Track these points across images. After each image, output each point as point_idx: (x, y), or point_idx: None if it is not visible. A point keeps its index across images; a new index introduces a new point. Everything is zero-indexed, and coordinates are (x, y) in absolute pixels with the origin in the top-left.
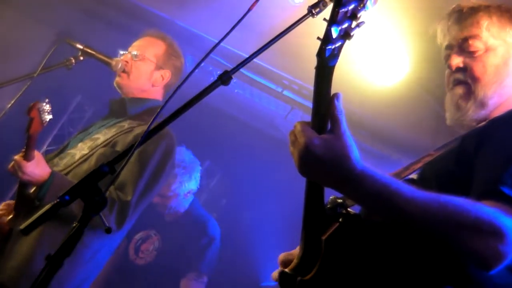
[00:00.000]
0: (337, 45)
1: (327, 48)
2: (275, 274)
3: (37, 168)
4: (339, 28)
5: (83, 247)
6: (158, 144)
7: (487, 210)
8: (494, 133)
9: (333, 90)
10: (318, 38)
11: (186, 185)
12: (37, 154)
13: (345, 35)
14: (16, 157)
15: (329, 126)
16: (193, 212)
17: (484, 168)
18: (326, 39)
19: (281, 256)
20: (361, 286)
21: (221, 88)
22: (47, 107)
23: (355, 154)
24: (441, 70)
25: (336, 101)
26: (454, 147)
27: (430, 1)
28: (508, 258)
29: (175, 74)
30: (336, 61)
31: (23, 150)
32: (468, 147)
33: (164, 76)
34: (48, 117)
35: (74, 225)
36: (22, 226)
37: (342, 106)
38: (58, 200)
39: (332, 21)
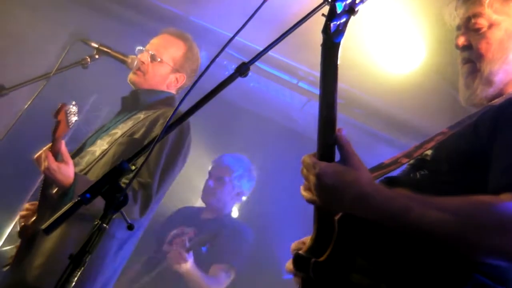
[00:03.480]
0: (342, 20)
1: (332, 23)
2: (288, 265)
3: (62, 170)
4: (343, 3)
5: (110, 239)
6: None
7: (505, 204)
8: (507, 120)
9: (351, 82)
10: (323, 14)
11: (243, 181)
12: (65, 155)
13: (350, 10)
14: (44, 150)
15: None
16: (230, 217)
17: (501, 158)
18: (331, 14)
19: (293, 244)
20: (378, 266)
21: (237, 82)
22: (74, 109)
23: (365, 175)
24: (456, 55)
25: (342, 131)
26: (467, 126)
27: None
28: None
29: (190, 77)
30: (342, 37)
31: (50, 143)
32: (481, 128)
33: (179, 79)
34: (74, 118)
35: (96, 223)
36: (44, 226)
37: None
38: (79, 198)
39: None
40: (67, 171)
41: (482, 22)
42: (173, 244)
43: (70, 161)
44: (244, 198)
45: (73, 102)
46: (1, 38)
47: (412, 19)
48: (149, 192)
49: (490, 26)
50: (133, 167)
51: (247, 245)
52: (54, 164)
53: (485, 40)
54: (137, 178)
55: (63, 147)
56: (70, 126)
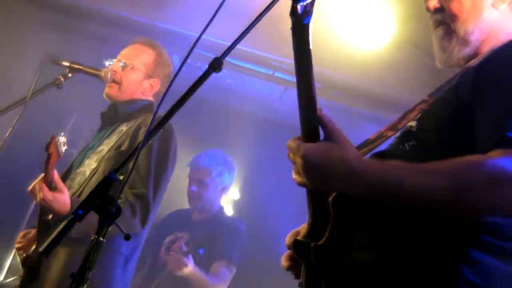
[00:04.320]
0: (308, 1)
1: (299, 5)
2: (284, 261)
3: (58, 199)
4: None
5: (116, 255)
6: (159, 137)
7: (498, 161)
8: (487, 76)
9: (325, 64)
10: None
11: (225, 176)
12: (59, 184)
13: None
14: (38, 181)
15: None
16: (223, 214)
17: (486, 116)
18: None
19: (287, 238)
20: (377, 240)
21: (214, 80)
22: (63, 139)
23: (351, 151)
24: (427, 22)
25: (322, 111)
26: (447, 91)
27: None
28: None
29: (164, 82)
30: (310, 18)
31: (43, 174)
32: (462, 91)
33: (153, 85)
34: (64, 148)
35: (93, 238)
36: (41, 249)
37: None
38: (72, 215)
39: None
40: (63, 199)
41: None
42: (171, 251)
43: (65, 189)
44: (229, 190)
45: (62, 133)
46: None
47: None
48: (146, 202)
49: None
50: (121, 177)
51: (241, 239)
52: (49, 194)
53: (457, 1)
54: (131, 190)
55: (56, 176)
56: (61, 156)
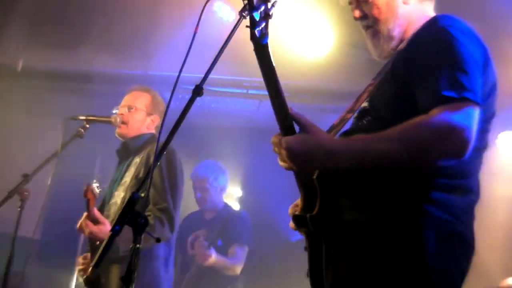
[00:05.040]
0: (262, 25)
1: (256, 31)
2: (291, 224)
3: (103, 230)
4: (259, 11)
5: (156, 260)
6: (163, 159)
7: (438, 116)
8: (414, 50)
9: (287, 76)
10: (247, 26)
11: (220, 179)
12: (100, 218)
13: (266, 15)
14: (83, 220)
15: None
16: (227, 209)
17: (421, 85)
18: (253, 23)
19: (289, 209)
20: (358, 204)
21: (203, 106)
22: (96, 184)
23: (323, 135)
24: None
25: (293, 109)
26: (387, 73)
27: None
28: (472, 140)
29: (161, 116)
30: (267, 38)
31: (86, 213)
32: (397, 69)
33: (154, 120)
34: (99, 190)
35: (131, 246)
36: (93, 263)
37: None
38: (111, 232)
39: (251, 8)
40: (106, 229)
41: None
42: (195, 247)
43: (106, 221)
44: (227, 189)
45: (94, 181)
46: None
47: (317, 10)
48: (169, 213)
49: None
50: (142, 194)
51: (246, 223)
52: (95, 228)
53: (375, 7)
54: (155, 206)
55: (97, 213)
56: (97, 197)
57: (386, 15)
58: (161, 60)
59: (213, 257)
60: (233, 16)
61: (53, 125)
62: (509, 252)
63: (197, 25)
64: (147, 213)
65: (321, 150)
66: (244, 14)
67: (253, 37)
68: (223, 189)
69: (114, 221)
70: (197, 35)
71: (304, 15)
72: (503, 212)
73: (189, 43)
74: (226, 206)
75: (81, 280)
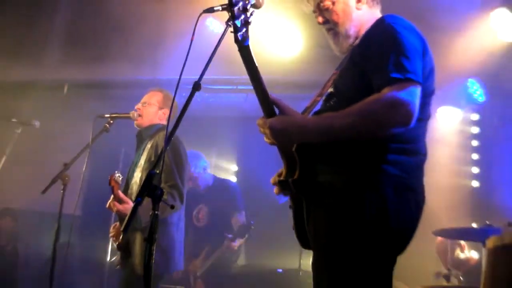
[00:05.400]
0: (243, 31)
1: (238, 35)
2: (276, 190)
3: (127, 207)
4: (239, 19)
5: (171, 226)
6: (170, 146)
7: (388, 93)
8: (367, 44)
9: (265, 72)
10: (231, 31)
11: (198, 164)
12: (124, 198)
13: (246, 23)
14: (111, 201)
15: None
16: (217, 182)
17: (373, 71)
18: (235, 29)
19: (272, 178)
20: (330, 168)
21: (203, 101)
22: (118, 174)
23: (297, 115)
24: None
25: (272, 96)
26: (347, 64)
27: None
28: (416, 112)
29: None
30: (248, 41)
31: (113, 197)
32: (355, 59)
33: (165, 113)
34: (120, 178)
35: (151, 213)
36: (122, 228)
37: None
38: (134, 202)
39: (233, 17)
40: (129, 207)
41: (327, 3)
42: (200, 220)
43: (129, 200)
44: (209, 166)
45: (116, 171)
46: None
47: (289, 18)
48: (178, 188)
49: (333, 3)
50: (157, 171)
51: (235, 191)
52: (120, 207)
53: (334, 13)
54: (166, 184)
55: (121, 195)
56: (119, 183)
57: (343, 20)
58: (166, 67)
59: (237, 245)
60: (222, 29)
61: (84, 123)
62: (448, 200)
63: (193, 34)
64: (162, 186)
65: (296, 126)
66: (229, 23)
67: (236, 40)
68: (205, 168)
69: (136, 194)
70: (193, 45)
71: (279, 22)
72: (443, 170)
73: (196, 49)
74: (216, 179)
75: (114, 245)
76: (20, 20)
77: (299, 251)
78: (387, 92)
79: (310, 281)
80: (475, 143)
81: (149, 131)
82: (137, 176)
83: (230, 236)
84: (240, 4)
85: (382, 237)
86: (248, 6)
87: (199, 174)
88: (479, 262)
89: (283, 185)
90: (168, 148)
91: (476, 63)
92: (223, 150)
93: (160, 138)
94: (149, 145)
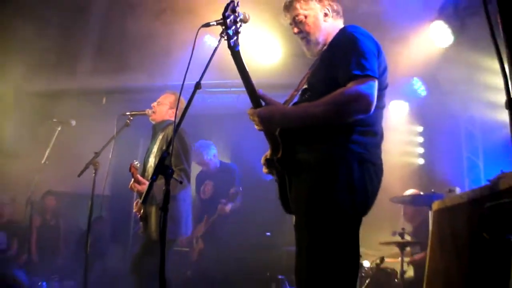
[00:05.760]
0: (234, 38)
1: (231, 41)
2: (264, 169)
3: (143, 187)
4: (231, 29)
5: (181, 201)
6: (177, 137)
7: (351, 87)
8: (333, 48)
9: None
10: (225, 39)
11: (210, 151)
12: (142, 181)
13: (236, 32)
14: (131, 183)
15: (262, 102)
16: (223, 165)
17: (339, 70)
18: (228, 37)
19: (262, 158)
20: (306, 147)
21: (202, 102)
22: (136, 162)
23: (279, 106)
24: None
25: (259, 91)
26: (318, 63)
27: (279, 2)
28: (374, 102)
29: (180, 109)
30: (238, 47)
31: (133, 180)
32: (324, 61)
33: (174, 112)
34: (138, 165)
35: (164, 188)
36: (141, 200)
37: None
38: (150, 180)
39: (226, 27)
40: (146, 186)
41: (301, 17)
42: (206, 193)
43: (146, 182)
44: (217, 154)
45: (135, 160)
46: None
47: (269, 31)
48: (186, 171)
49: (305, 17)
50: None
51: (235, 173)
52: (140, 188)
53: (306, 25)
54: (176, 167)
55: (140, 178)
56: (138, 169)
57: (314, 30)
58: (174, 74)
59: (229, 207)
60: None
61: (111, 120)
62: (400, 175)
63: (194, 44)
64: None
65: (278, 114)
66: (223, 35)
67: (229, 46)
68: (215, 155)
69: (152, 174)
70: (194, 57)
71: (262, 36)
72: (395, 151)
73: (188, 64)
74: (221, 163)
75: (137, 218)
76: (58, 39)
77: (284, 218)
78: (351, 86)
79: (294, 242)
80: (419, 129)
81: (161, 125)
82: (152, 161)
83: (223, 201)
84: (232, 17)
85: (350, 200)
86: (238, 19)
87: (210, 160)
88: (425, 220)
89: (270, 163)
90: (176, 138)
91: (418, 65)
92: (220, 141)
93: (170, 130)
94: (160, 136)
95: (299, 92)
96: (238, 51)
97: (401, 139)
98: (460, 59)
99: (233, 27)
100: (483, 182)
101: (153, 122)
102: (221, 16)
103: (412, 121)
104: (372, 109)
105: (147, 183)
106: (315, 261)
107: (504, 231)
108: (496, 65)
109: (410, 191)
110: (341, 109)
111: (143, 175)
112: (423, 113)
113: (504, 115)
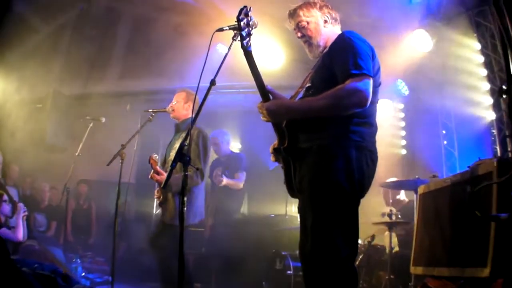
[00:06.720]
0: (247, 39)
1: (244, 42)
2: (271, 157)
3: (161, 177)
4: (244, 31)
5: (194, 193)
6: (199, 136)
7: (349, 84)
8: (333, 51)
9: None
10: (238, 40)
11: (225, 138)
12: (161, 172)
13: (248, 34)
14: (152, 174)
15: (270, 96)
16: (233, 154)
17: (339, 69)
18: (242, 38)
19: (270, 148)
20: (309, 137)
21: (214, 101)
22: (155, 155)
23: (286, 100)
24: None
25: (268, 87)
26: (320, 64)
27: (284, 10)
28: (370, 97)
29: (194, 102)
30: (251, 47)
31: (152, 171)
32: (325, 62)
33: (190, 105)
34: (156, 157)
35: (183, 173)
36: (162, 185)
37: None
38: (170, 167)
39: (240, 29)
40: (164, 177)
41: (304, 23)
42: (213, 177)
43: (164, 173)
44: (231, 142)
45: (154, 154)
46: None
47: (273, 38)
48: (201, 171)
49: (308, 23)
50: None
51: (242, 159)
52: (159, 178)
53: (309, 30)
54: (193, 166)
55: (159, 169)
56: (157, 161)
57: (315, 34)
58: (191, 78)
59: (224, 180)
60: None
61: (135, 117)
62: (387, 164)
63: (208, 49)
64: (189, 169)
65: (284, 107)
66: (235, 38)
67: (242, 46)
68: (228, 143)
69: (171, 161)
70: (208, 63)
71: (266, 43)
72: (382, 143)
73: (203, 66)
74: (233, 152)
75: (157, 203)
76: (91, 49)
77: (286, 201)
78: (349, 83)
79: (295, 222)
80: (402, 123)
81: (184, 124)
82: (172, 155)
83: (219, 173)
84: (245, 20)
85: (349, 182)
86: (250, 22)
87: (221, 143)
88: (410, 203)
89: (277, 152)
90: (200, 137)
91: (402, 68)
92: (230, 135)
93: (194, 134)
94: (183, 134)
95: (304, 89)
96: (251, 51)
97: (386, 133)
98: (438, 62)
99: (246, 29)
100: (458, 169)
101: (177, 121)
102: (233, 22)
103: (395, 117)
104: (368, 103)
105: (165, 174)
106: (319, 235)
107: (489, 209)
108: (469, 67)
109: (391, 179)
110: (341, 102)
111: (163, 166)
112: (406, 110)
113: (476, 110)
